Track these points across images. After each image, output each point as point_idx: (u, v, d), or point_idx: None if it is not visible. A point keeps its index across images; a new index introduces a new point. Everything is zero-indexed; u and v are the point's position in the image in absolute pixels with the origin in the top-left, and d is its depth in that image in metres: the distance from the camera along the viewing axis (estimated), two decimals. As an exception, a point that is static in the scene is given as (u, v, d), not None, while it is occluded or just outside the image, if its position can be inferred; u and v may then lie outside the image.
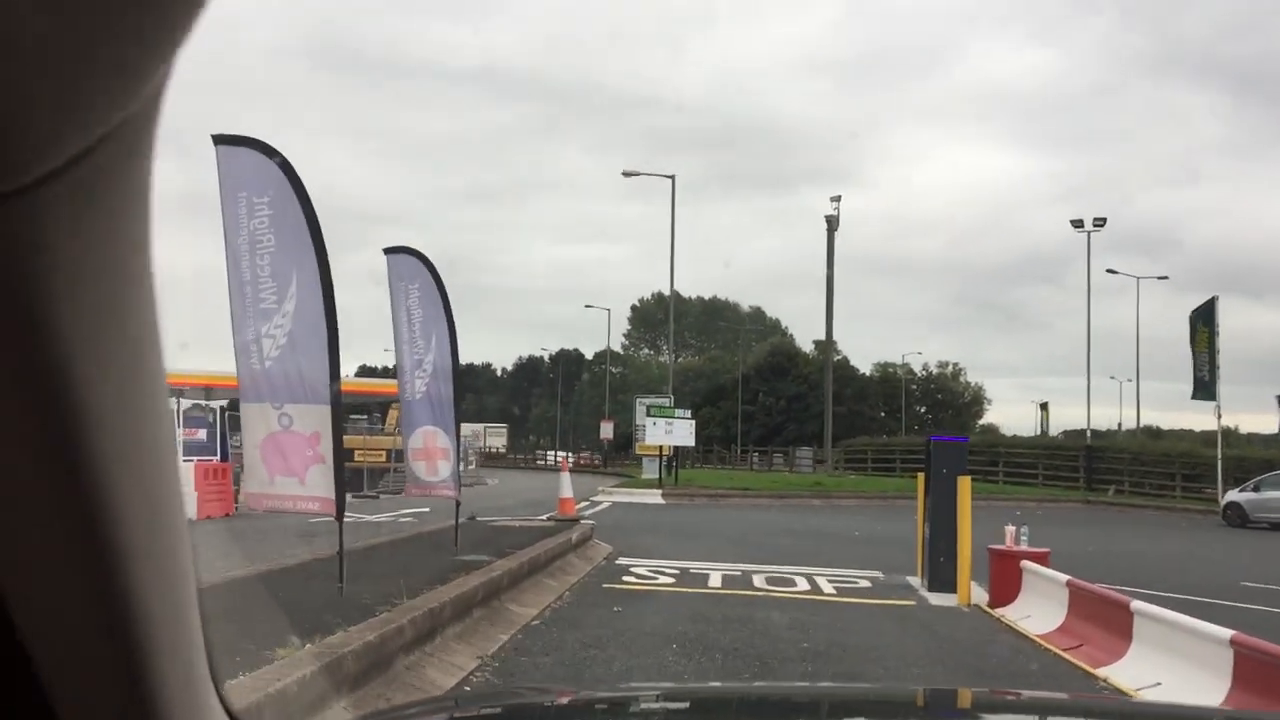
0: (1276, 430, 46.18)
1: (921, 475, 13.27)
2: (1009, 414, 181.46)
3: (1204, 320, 35.21)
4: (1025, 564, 10.83)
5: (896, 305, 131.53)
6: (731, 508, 29.34)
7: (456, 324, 10.05)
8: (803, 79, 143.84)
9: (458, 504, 10.55)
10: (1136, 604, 8.38)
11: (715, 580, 12.43)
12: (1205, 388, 35.16)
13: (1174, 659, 7.34)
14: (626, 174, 41.18)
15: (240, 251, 7.43)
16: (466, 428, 63.68)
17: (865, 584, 12.77)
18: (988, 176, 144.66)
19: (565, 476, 17.89)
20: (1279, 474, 29.21)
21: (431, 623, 7.15)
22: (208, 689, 0.97)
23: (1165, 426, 65.21)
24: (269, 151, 7.45)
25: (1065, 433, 57.25)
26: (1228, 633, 6.76)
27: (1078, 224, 42.13)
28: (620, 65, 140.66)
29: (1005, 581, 10.98)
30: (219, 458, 24.17)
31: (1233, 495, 29.62)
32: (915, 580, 12.96)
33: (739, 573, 13.21)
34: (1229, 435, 56.27)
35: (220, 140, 7.55)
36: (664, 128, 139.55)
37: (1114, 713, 2.67)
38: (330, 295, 7.38)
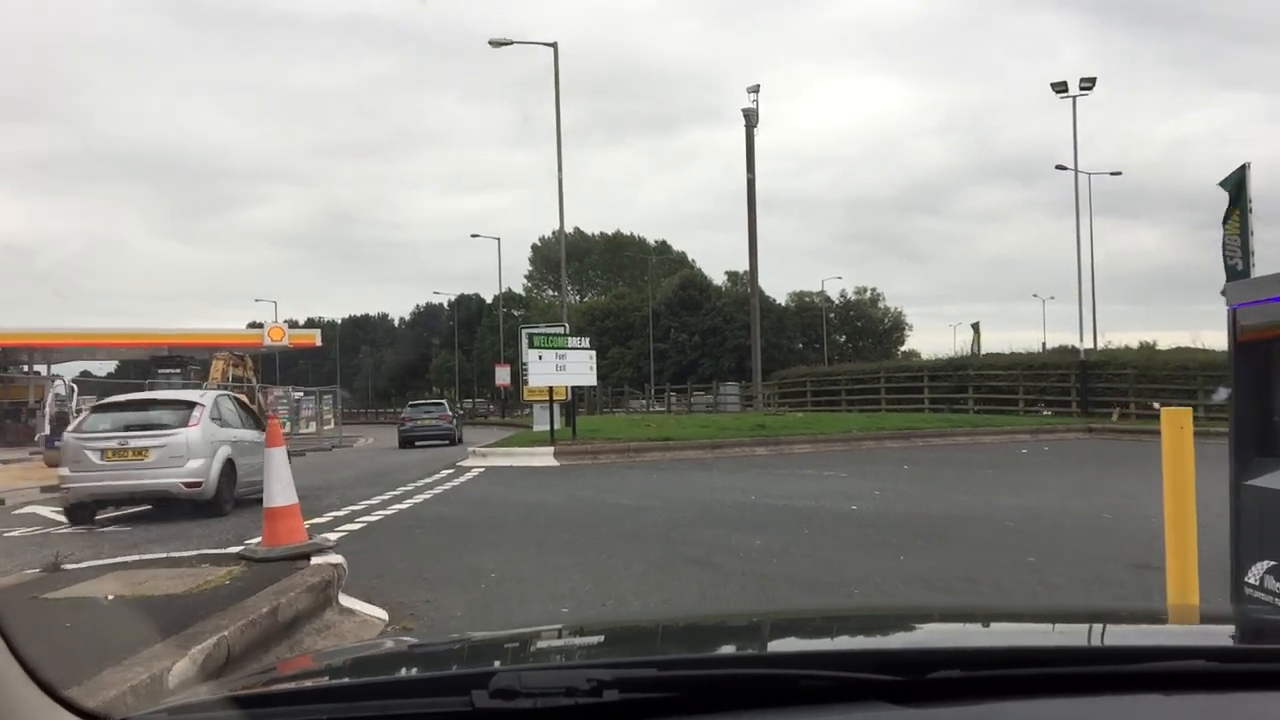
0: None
1: (1170, 414, 4.94)
2: (923, 341, 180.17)
3: (1236, 191, 27.60)
4: None
5: (791, 242, 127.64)
6: (650, 467, 20.92)
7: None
8: (677, 20, 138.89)
9: None
10: None
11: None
12: (1238, 278, 27.66)
13: None
14: (494, 43, 32.18)
15: None
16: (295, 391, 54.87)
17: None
18: (867, 111, 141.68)
19: (276, 458, 7.69)
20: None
21: None
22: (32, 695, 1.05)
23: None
24: None
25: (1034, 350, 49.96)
26: None
27: (1059, 87, 34.11)
28: (488, 9, 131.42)
29: None
30: None
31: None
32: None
33: None
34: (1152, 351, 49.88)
35: None
36: (541, 74, 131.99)
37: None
38: None
